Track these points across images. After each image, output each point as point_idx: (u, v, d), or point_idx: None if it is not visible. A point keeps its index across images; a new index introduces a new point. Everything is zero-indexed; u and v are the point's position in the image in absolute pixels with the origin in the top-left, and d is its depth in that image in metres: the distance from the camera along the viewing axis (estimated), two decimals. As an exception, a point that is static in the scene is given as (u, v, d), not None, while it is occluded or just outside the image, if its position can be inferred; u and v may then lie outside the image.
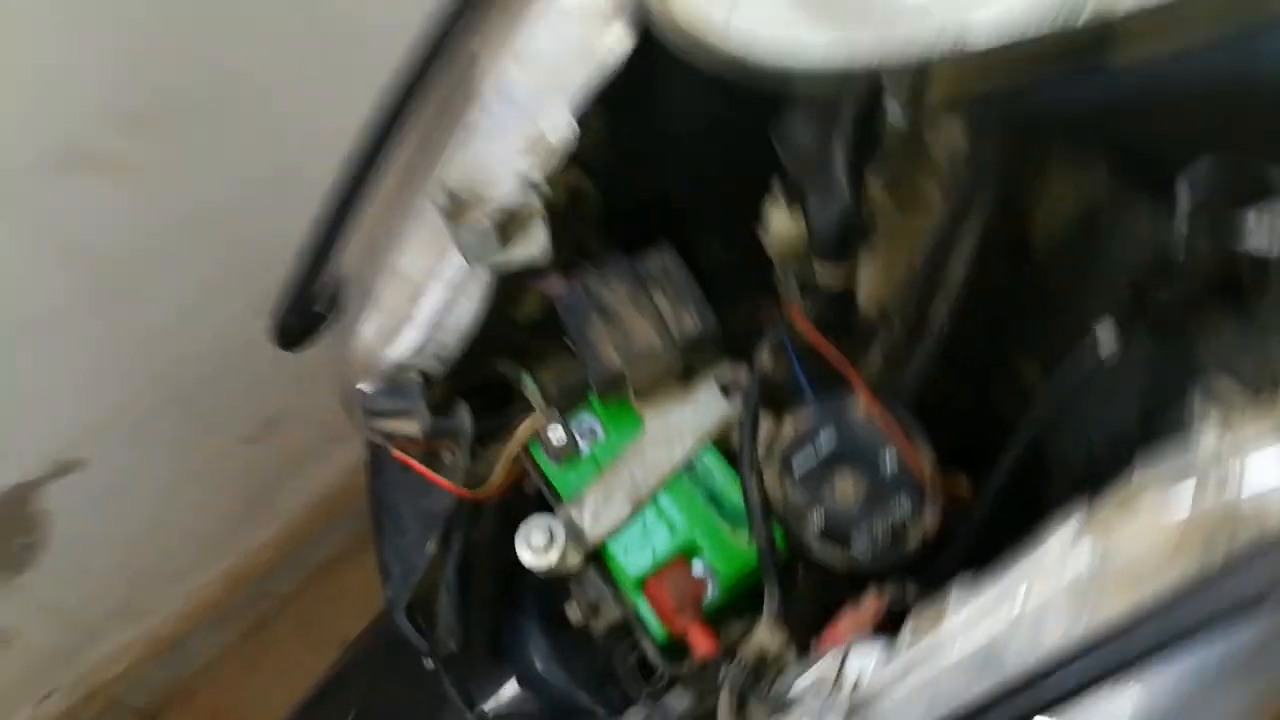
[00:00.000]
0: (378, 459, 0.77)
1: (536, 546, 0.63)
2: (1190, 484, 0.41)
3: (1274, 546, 0.35)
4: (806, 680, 0.50)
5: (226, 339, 1.27)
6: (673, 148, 0.77)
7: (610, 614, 0.76)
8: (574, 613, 0.76)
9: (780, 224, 0.66)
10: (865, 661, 0.49)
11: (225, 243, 1.18)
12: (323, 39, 1.11)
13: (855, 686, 0.48)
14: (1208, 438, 0.41)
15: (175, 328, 1.20)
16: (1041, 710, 0.41)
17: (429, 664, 0.75)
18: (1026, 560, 0.46)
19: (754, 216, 0.67)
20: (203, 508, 1.44)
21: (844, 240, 0.55)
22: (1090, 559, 0.43)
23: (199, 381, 1.28)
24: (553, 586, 0.81)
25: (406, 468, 0.75)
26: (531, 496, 0.81)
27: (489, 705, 0.77)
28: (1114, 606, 0.42)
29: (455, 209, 0.61)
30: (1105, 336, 0.52)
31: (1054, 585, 0.44)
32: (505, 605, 0.82)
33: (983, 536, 0.62)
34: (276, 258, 1.21)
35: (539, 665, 0.80)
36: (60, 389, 1.15)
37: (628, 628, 0.79)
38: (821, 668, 0.49)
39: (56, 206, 1.00)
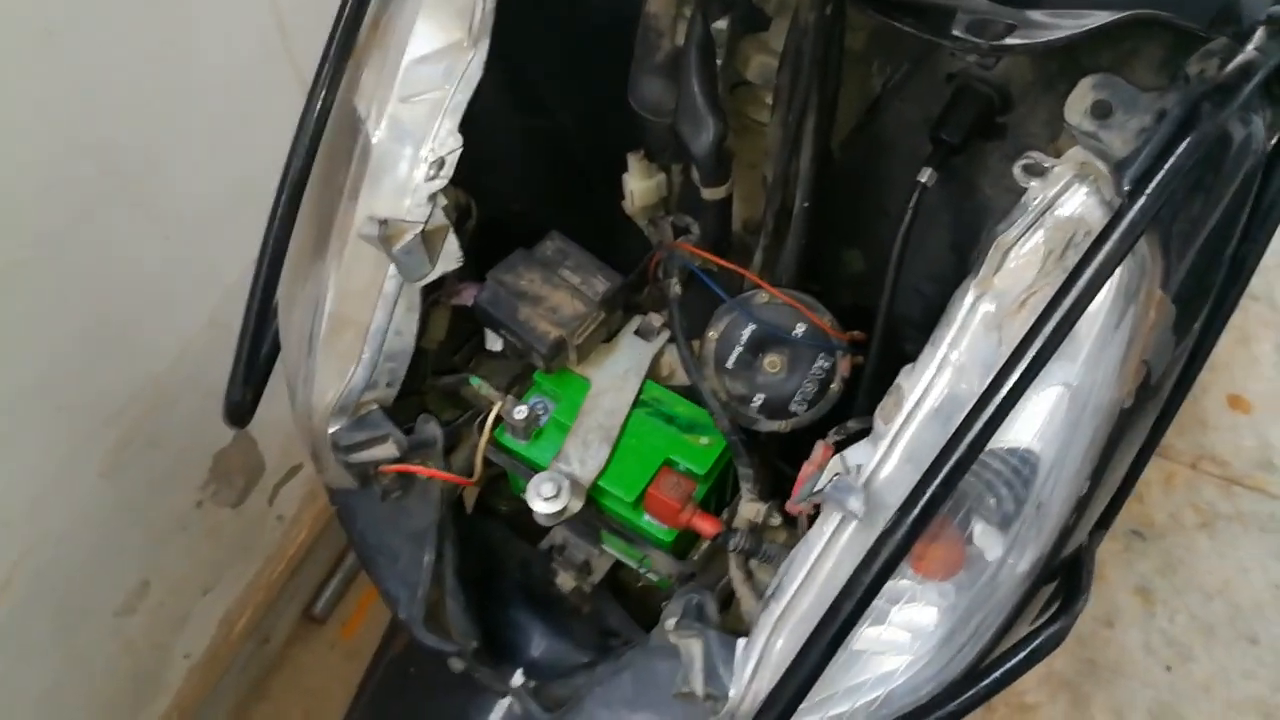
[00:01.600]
0: (347, 510, 0.82)
1: (548, 496, 0.71)
2: (1036, 227, 0.58)
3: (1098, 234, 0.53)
4: (822, 480, 0.62)
5: (80, 511, 1.22)
6: (500, 160, 0.89)
7: (602, 566, 0.85)
8: (565, 581, 0.85)
9: (639, 184, 0.79)
10: (860, 455, 0.62)
11: (64, 407, 1.15)
12: (141, 186, 1.13)
13: (859, 472, 0.61)
14: (1034, 196, 0.58)
15: (27, 510, 1.14)
16: (995, 425, 0.56)
17: (456, 665, 0.80)
18: (942, 328, 0.61)
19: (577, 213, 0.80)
20: (88, 702, 1.35)
21: (721, 159, 0.70)
22: (986, 305, 0.59)
23: (62, 562, 1.21)
24: (530, 576, 0.89)
25: (380, 507, 0.80)
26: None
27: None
28: (1017, 327, 0.57)
29: (389, 236, 0.69)
30: (927, 174, 0.69)
31: (970, 333, 0.59)
32: (492, 608, 0.88)
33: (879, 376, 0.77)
34: (122, 409, 1.20)
35: (540, 645, 0.86)
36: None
37: (616, 583, 0.89)
38: (831, 468, 0.62)
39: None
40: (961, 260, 0.82)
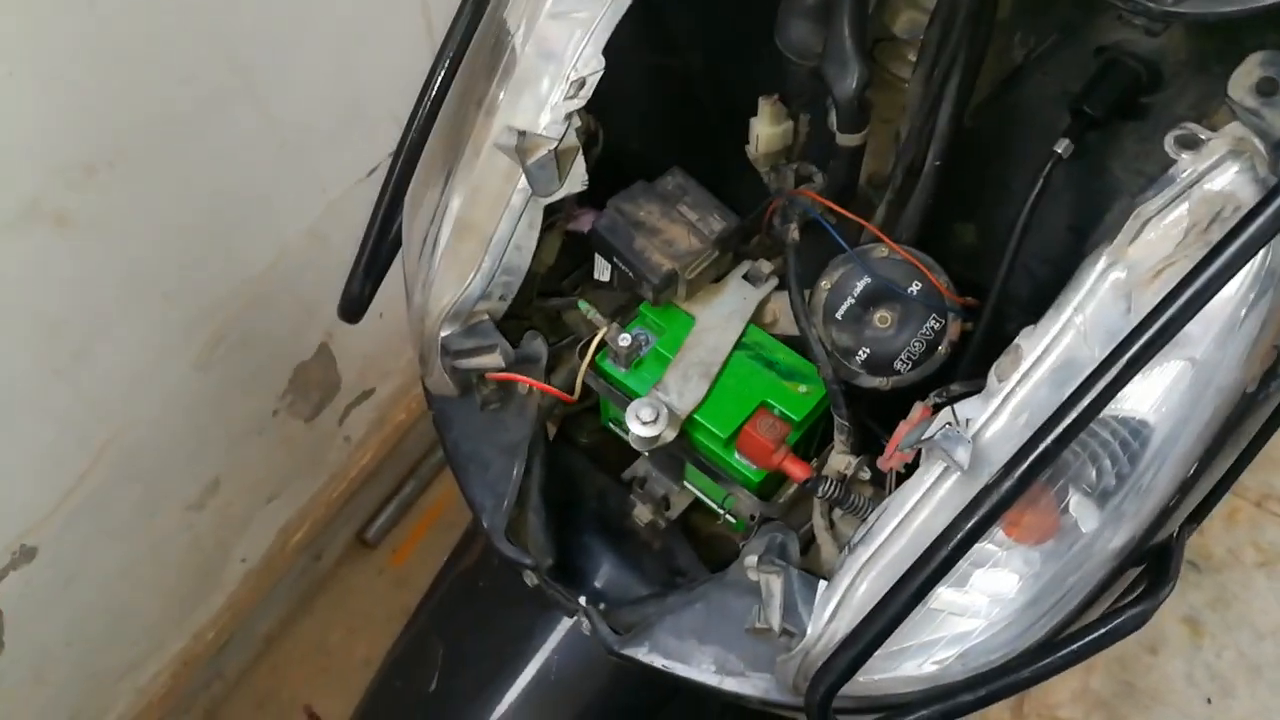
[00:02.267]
0: (444, 416, 0.84)
1: (646, 420, 0.73)
2: (1181, 200, 0.57)
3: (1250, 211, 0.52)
4: (931, 429, 0.62)
5: (171, 399, 1.27)
6: (625, 98, 0.89)
7: (681, 503, 0.87)
8: (642, 513, 0.86)
9: (767, 129, 0.80)
10: (970, 409, 0.62)
11: (169, 295, 1.19)
12: (267, 88, 1.16)
13: (968, 425, 0.62)
14: (1183, 169, 0.58)
15: (125, 390, 1.19)
16: (1114, 390, 0.56)
17: (530, 579, 0.82)
18: (1068, 292, 0.61)
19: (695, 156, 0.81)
20: (155, 587, 1.40)
21: (862, 105, 0.70)
22: (1118, 273, 0.59)
23: (146, 448, 1.26)
24: (606, 507, 0.91)
25: (477, 416, 0.83)
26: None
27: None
28: (1148, 298, 0.58)
29: (526, 148, 0.71)
30: (1064, 145, 0.69)
31: (1098, 298, 0.59)
32: (566, 534, 0.89)
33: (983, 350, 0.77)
34: (220, 305, 1.24)
35: (608, 575, 0.88)
36: (14, 468, 1.11)
37: (687, 526, 0.90)
38: (941, 418, 0.62)
39: (8, 265, 1.00)
40: (1080, 243, 0.82)
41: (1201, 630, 1.68)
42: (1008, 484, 0.57)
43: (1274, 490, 1.78)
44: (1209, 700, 1.62)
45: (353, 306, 0.80)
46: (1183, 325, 0.55)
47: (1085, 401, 0.56)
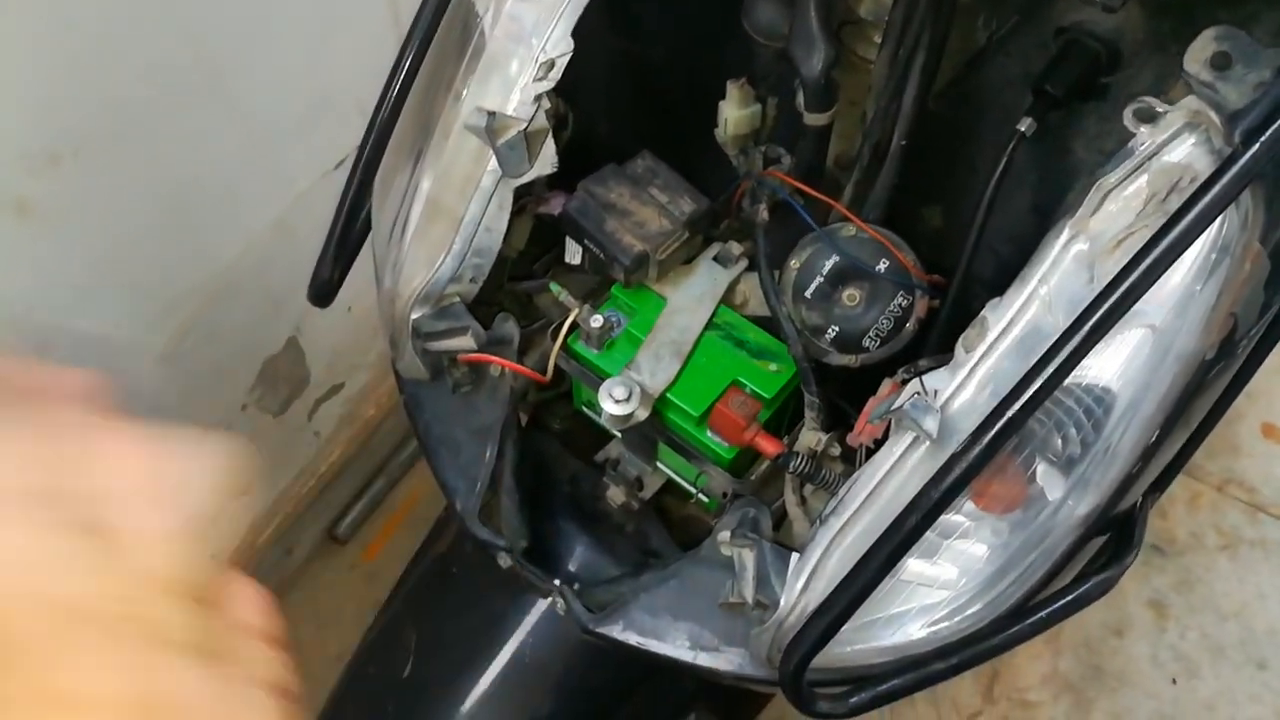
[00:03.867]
0: (415, 400, 0.84)
1: (619, 399, 0.73)
2: (1140, 172, 0.59)
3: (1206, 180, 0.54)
4: (900, 400, 0.63)
5: (137, 393, 1.25)
6: (593, 82, 0.90)
7: (654, 484, 0.87)
8: (615, 495, 0.87)
9: (735, 112, 0.81)
10: (938, 380, 0.63)
11: (133, 285, 1.18)
12: (233, 78, 1.15)
13: (936, 395, 0.63)
14: (1142, 142, 0.59)
15: (89, 383, 1.17)
16: (1078, 357, 0.57)
17: (504, 561, 0.82)
18: (1033, 265, 0.62)
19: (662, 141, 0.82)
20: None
21: (829, 85, 0.71)
22: (1080, 244, 0.60)
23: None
24: (579, 490, 0.91)
25: (448, 400, 0.83)
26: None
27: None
28: (1110, 266, 0.59)
29: (496, 128, 0.71)
30: (1027, 123, 0.70)
31: (1061, 269, 0.60)
32: (538, 518, 0.89)
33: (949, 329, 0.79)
34: (186, 297, 1.23)
35: (582, 558, 0.88)
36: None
37: (659, 509, 0.90)
38: (910, 389, 0.63)
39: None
40: (1042, 223, 0.82)
41: (1166, 613, 1.71)
42: (975, 451, 0.58)
43: (1235, 475, 1.82)
44: (1174, 681, 1.65)
45: (323, 290, 0.80)
46: (1143, 292, 0.56)
47: (1050, 368, 0.57)
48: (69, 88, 0.99)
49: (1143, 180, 0.59)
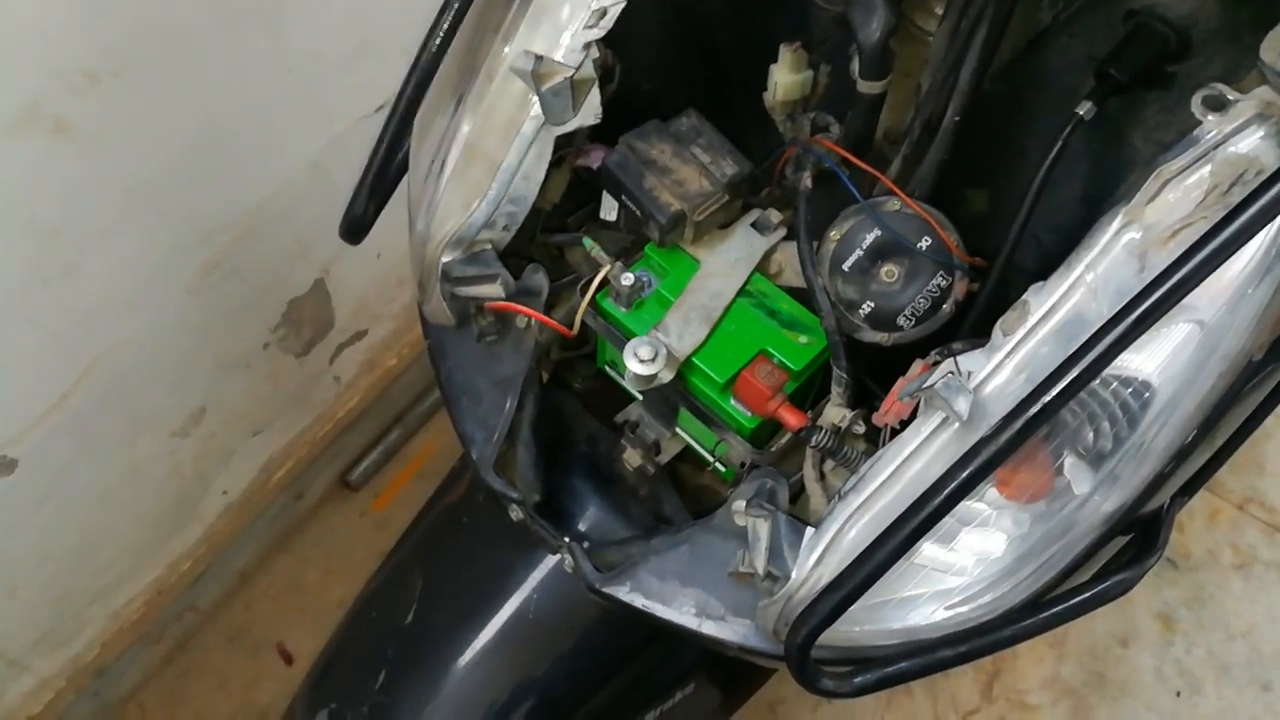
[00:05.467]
0: (440, 346, 0.83)
1: (644, 359, 0.72)
2: (1204, 162, 0.57)
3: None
4: (932, 379, 0.62)
5: (161, 322, 1.25)
6: (643, 37, 0.88)
7: (671, 448, 0.86)
8: (632, 457, 0.86)
9: (787, 77, 0.79)
10: (973, 361, 0.62)
11: (165, 214, 1.17)
12: (280, 8, 1.14)
13: (970, 377, 0.61)
14: (1208, 130, 0.57)
15: (115, 307, 1.17)
16: (1121, 347, 0.55)
17: (515, 514, 0.81)
18: (1081, 250, 0.60)
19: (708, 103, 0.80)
20: (133, 512, 1.39)
21: (885, 52, 0.69)
22: (1133, 232, 0.58)
23: (132, 368, 1.25)
24: (595, 451, 0.91)
25: (472, 348, 0.82)
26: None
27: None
28: (1162, 257, 0.57)
29: (541, 73, 0.70)
30: (1086, 107, 0.68)
31: (1110, 257, 0.59)
32: (553, 474, 0.89)
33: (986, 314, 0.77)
34: (217, 230, 1.23)
35: (593, 518, 0.87)
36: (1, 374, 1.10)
37: (674, 476, 0.89)
38: (943, 369, 0.62)
39: (3, 169, 0.98)
40: (1090, 215, 0.80)
41: (1174, 626, 1.69)
42: (1005, 436, 0.57)
43: (1257, 493, 1.79)
44: (1177, 694, 1.63)
45: (355, 225, 0.79)
46: (1195, 285, 0.54)
47: (1090, 357, 0.55)
48: (113, 3, 0.98)
49: (1205, 170, 0.57)
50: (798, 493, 0.76)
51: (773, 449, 0.77)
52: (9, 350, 1.10)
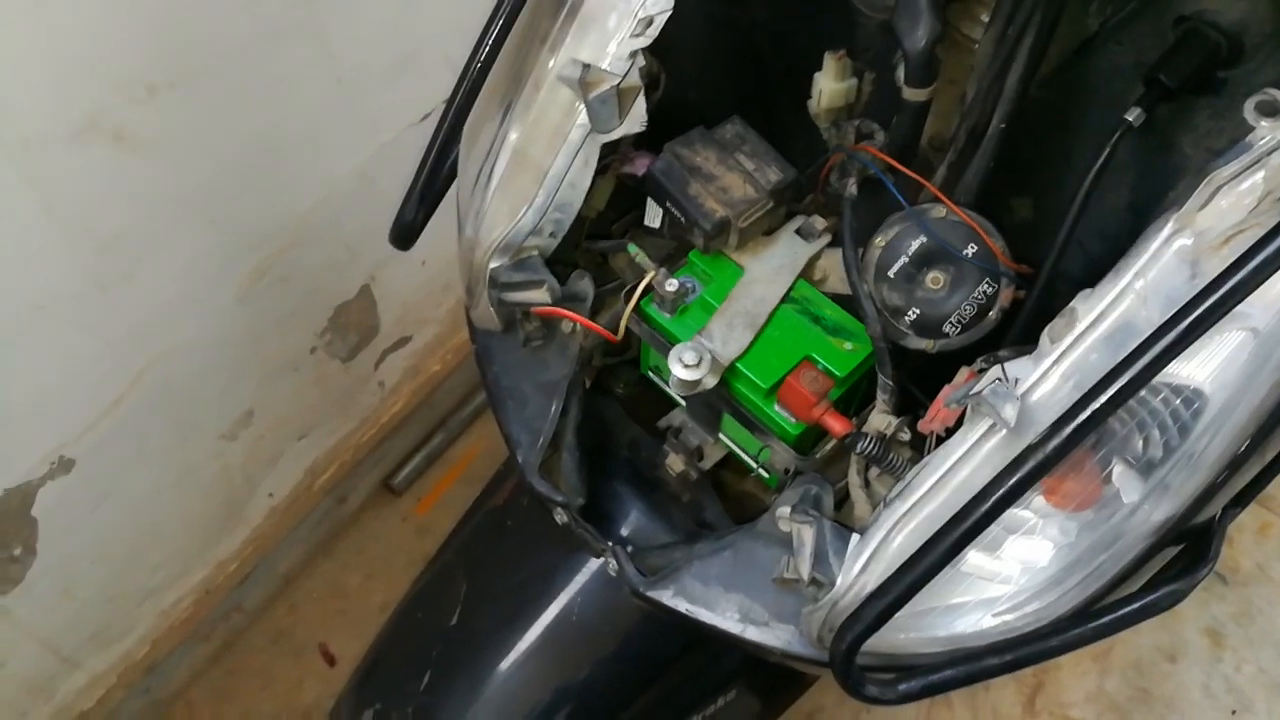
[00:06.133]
0: (486, 351, 0.84)
1: (689, 364, 0.72)
2: (1258, 168, 0.56)
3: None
4: (979, 386, 0.62)
5: (212, 328, 1.28)
6: (688, 45, 0.89)
7: (714, 454, 0.86)
8: (674, 463, 0.86)
9: (831, 84, 0.79)
10: (1020, 368, 0.62)
11: (217, 222, 1.20)
12: (328, 21, 1.17)
13: (1017, 384, 0.61)
14: (1261, 136, 0.56)
15: (168, 313, 1.20)
16: (1172, 354, 0.55)
17: (560, 517, 0.82)
18: (1130, 257, 0.60)
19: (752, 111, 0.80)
20: (183, 513, 1.42)
21: (931, 60, 0.69)
22: (1184, 239, 0.58)
23: (185, 372, 1.28)
24: (638, 456, 0.91)
25: (519, 353, 0.83)
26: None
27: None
28: (1214, 264, 0.56)
29: (589, 81, 0.71)
30: (1135, 113, 0.68)
31: (1161, 264, 0.58)
32: (596, 479, 0.89)
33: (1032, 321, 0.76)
34: (266, 238, 1.25)
35: (635, 523, 0.88)
36: (57, 377, 1.13)
37: (716, 482, 0.89)
38: (991, 375, 0.62)
39: (66, 178, 1.01)
40: (1138, 223, 0.80)
41: (1223, 643, 1.66)
42: (1053, 444, 0.56)
43: (1309, 508, 1.76)
44: (1233, 712, 1.60)
45: (405, 232, 0.81)
46: (1249, 293, 0.54)
47: (1140, 365, 0.55)
48: (169, 19, 1.00)
49: (1259, 176, 0.56)
50: (842, 499, 0.76)
51: (817, 455, 0.77)
52: (69, 355, 1.13)
